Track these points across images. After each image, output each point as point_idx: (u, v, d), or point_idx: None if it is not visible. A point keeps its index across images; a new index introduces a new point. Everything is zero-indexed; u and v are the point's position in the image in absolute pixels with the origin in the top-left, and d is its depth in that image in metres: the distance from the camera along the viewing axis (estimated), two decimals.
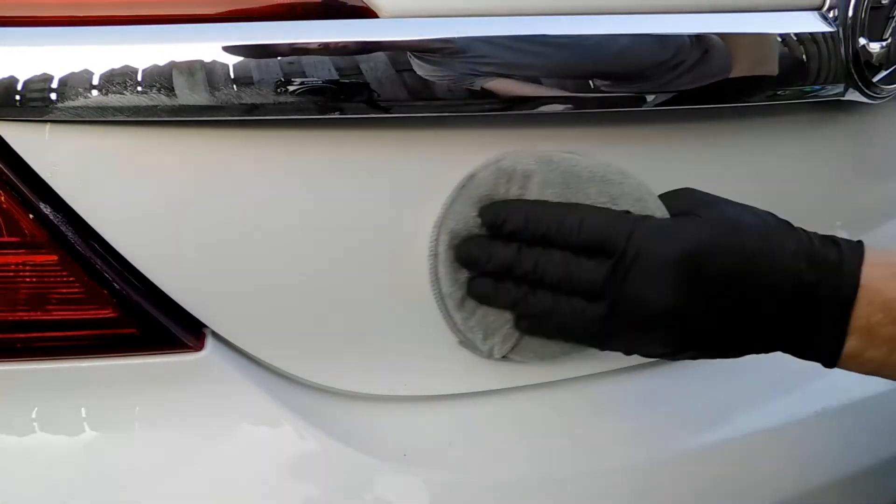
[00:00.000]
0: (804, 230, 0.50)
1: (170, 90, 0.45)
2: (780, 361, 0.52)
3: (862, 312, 0.47)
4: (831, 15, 0.55)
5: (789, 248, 0.48)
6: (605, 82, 0.51)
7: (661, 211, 0.52)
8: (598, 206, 0.51)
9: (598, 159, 0.52)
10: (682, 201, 0.52)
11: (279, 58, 0.45)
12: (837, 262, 0.48)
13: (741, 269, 0.48)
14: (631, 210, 0.50)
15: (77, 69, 0.44)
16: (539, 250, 0.49)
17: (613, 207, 0.50)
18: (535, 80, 0.49)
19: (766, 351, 0.51)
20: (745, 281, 0.48)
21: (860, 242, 0.50)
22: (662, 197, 0.53)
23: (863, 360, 0.48)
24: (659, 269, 0.47)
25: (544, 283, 0.49)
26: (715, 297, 0.48)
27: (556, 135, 0.54)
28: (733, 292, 0.48)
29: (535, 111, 0.51)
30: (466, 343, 0.55)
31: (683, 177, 0.57)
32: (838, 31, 0.54)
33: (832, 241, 0.49)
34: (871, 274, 0.47)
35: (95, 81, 0.44)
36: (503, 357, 0.54)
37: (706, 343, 0.50)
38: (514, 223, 0.49)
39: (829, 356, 0.49)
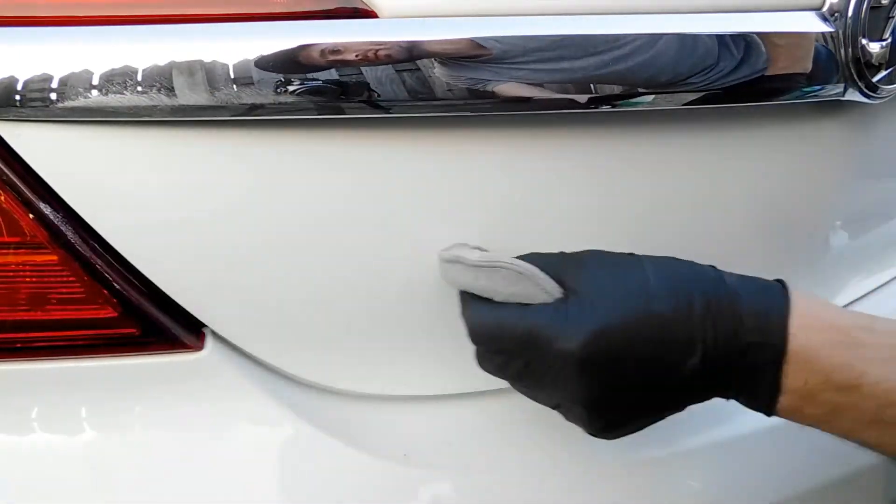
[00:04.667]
0: (722, 285, 0.48)
1: (170, 90, 0.45)
2: None
3: (798, 375, 0.46)
4: (831, 15, 0.55)
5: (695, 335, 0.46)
6: (605, 83, 0.51)
7: (535, 287, 0.48)
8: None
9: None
10: (571, 272, 0.49)
11: (279, 58, 0.46)
12: (759, 334, 0.46)
13: (641, 355, 0.46)
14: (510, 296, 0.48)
15: (77, 69, 0.44)
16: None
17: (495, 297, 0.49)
18: (535, 80, 0.49)
19: (701, 400, 0.50)
20: (646, 365, 0.47)
21: (784, 292, 0.47)
22: (542, 261, 0.49)
23: (803, 416, 0.48)
24: (560, 367, 0.47)
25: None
26: (621, 384, 0.47)
27: (551, 135, 0.53)
28: (635, 377, 0.47)
29: (535, 112, 0.51)
30: None
31: (681, 179, 0.57)
32: (838, 31, 0.54)
33: (755, 307, 0.47)
34: (807, 338, 0.46)
35: (95, 81, 0.44)
36: None
37: (622, 415, 0.50)
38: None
39: (766, 410, 0.48)
